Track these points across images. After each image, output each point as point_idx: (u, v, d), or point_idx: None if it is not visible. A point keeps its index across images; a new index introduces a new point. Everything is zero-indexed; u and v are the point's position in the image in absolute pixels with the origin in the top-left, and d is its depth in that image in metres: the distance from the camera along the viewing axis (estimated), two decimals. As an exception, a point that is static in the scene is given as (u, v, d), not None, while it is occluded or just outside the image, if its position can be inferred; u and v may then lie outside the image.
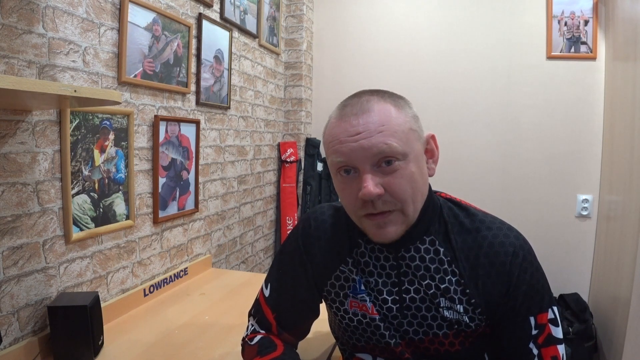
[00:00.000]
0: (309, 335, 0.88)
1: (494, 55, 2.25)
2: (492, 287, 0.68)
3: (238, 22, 1.88)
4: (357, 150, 0.64)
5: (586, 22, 2.10)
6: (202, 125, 1.66)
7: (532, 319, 0.67)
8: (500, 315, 0.69)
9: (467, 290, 0.69)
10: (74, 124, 1.07)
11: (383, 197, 0.64)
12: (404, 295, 0.73)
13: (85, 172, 1.12)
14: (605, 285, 1.92)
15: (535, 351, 0.66)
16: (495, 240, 0.69)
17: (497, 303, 0.68)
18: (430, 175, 0.72)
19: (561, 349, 0.67)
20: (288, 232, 2.37)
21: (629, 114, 1.70)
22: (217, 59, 1.72)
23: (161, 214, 1.42)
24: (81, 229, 1.11)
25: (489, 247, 0.69)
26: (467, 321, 0.69)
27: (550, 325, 0.67)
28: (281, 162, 2.40)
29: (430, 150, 0.72)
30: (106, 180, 1.19)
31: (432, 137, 0.72)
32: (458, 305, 0.69)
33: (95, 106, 1.08)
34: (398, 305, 0.73)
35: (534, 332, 0.67)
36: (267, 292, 0.83)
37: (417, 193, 0.67)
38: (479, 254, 0.69)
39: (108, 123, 1.18)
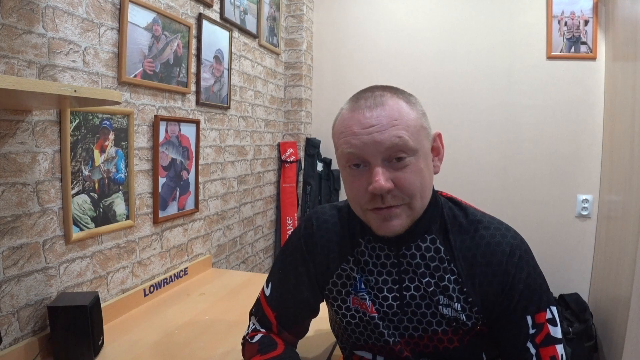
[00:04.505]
0: (310, 334, 0.89)
1: (494, 55, 2.25)
2: (489, 286, 0.69)
3: (238, 22, 1.88)
4: (369, 144, 0.64)
5: (586, 22, 2.10)
6: (202, 125, 1.66)
7: (529, 318, 0.67)
8: (497, 313, 0.69)
9: (465, 289, 0.69)
10: (74, 124, 1.07)
11: (392, 191, 0.65)
12: (404, 293, 0.73)
13: (85, 172, 1.12)
14: (605, 285, 1.92)
15: (533, 350, 0.66)
16: (493, 240, 0.70)
17: (493, 302, 0.69)
18: (435, 173, 0.72)
19: (560, 348, 0.67)
20: (288, 232, 2.38)
21: (629, 114, 1.70)
22: (217, 59, 1.72)
23: (161, 214, 1.42)
24: (81, 229, 1.11)
25: (486, 247, 0.70)
26: (464, 319, 0.69)
27: (548, 324, 0.67)
28: (281, 162, 2.40)
29: (436, 148, 0.73)
30: (106, 180, 1.19)
31: (439, 135, 0.74)
32: (456, 304, 0.70)
33: (95, 106, 1.08)
34: (398, 302, 0.73)
35: (531, 331, 0.67)
36: (267, 292, 0.83)
37: (425, 189, 0.68)
38: (477, 253, 0.70)
39: (108, 123, 1.18)
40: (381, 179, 0.63)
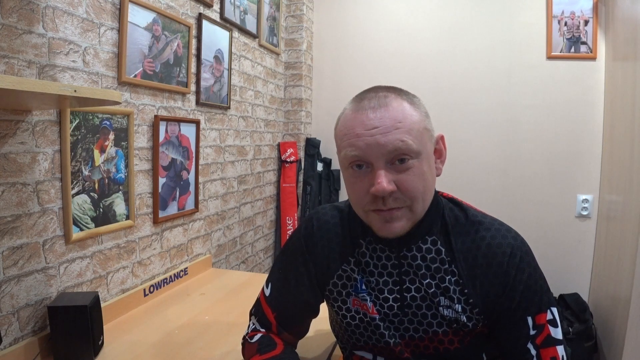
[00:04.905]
0: (310, 334, 0.89)
1: (494, 55, 2.25)
2: (490, 287, 0.69)
3: (238, 22, 1.88)
4: (372, 146, 0.64)
5: (586, 22, 2.10)
6: (202, 125, 1.66)
7: (529, 319, 0.67)
8: (498, 315, 0.69)
9: (466, 290, 0.69)
10: (74, 124, 1.07)
11: (394, 194, 0.65)
12: (405, 294, 0.73)
13: (85, 172, 1.12)
14: (605, 285, 1.92)
15: (533, 351, 0.66)
16: (493, 241, 0.70)
17: (494, 303, 0.68)
18: (437, 175, 0.72)
19: (560, 349, 0.67)
20: (288, 232, 2.38)
21: (629, 114, 1.70)
22: (217, 59, 1.72)
23: (161, 214, 1.42)
24: (81, 229, 1.11)
25: (487, 248, 0.70)
26: (465, 320, 0.69)
27: (549, 326, 0.67)
28: (281, 162, 2.40)
29: (439, 150, 0.73)
30: (106, 180, 1.19)
31: (442, 137, 0.73)
32: (457, 305, 0.70)
33: (95, 106, 1.08)
34: (399, 303, 0.73)
35: (532, 332, 0.67)
36: (267, 292, 0.83)
37: (427, 192, 0.68)
38: (478, 254, 0.70)
39: (108, 123, 1.18)
40: (384, 181, 0.63)
